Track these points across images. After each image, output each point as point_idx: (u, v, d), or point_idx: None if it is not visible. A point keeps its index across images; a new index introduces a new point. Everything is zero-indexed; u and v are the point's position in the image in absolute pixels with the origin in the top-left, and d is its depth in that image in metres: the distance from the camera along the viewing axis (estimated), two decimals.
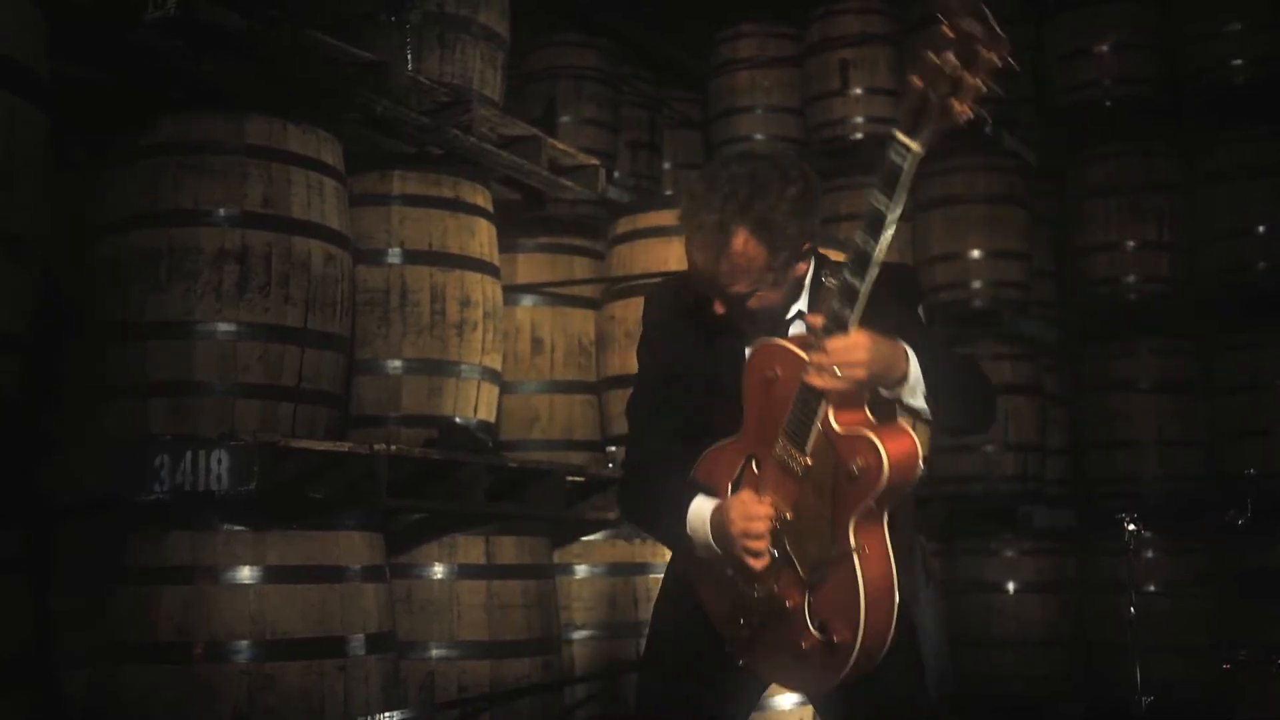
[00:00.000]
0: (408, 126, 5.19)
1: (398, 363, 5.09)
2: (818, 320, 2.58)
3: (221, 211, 4.37)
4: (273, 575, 4.04)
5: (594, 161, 6.12)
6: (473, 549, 4.90)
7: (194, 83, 4.52)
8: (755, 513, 2.67)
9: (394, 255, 5.15)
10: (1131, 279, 9.32)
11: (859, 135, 9.30)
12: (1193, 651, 8.26)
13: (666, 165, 10.61)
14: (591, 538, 5.51)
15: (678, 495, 2.84)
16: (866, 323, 2.59)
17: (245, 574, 4.02)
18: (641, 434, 3.06)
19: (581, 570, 5.47)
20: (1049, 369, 9.55)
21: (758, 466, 2.77)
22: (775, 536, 2.70)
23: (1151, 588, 8.50)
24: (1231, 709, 5.03)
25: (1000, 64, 2.40)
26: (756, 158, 2.82)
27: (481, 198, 5.48)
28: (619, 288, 5.85)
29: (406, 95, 5.04)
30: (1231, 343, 9.18)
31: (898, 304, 2.80)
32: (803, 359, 2.60)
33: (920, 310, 3.05)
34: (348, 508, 4.34)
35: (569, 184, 6.00)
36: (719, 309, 2.77)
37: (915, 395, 2.67)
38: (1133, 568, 5.16)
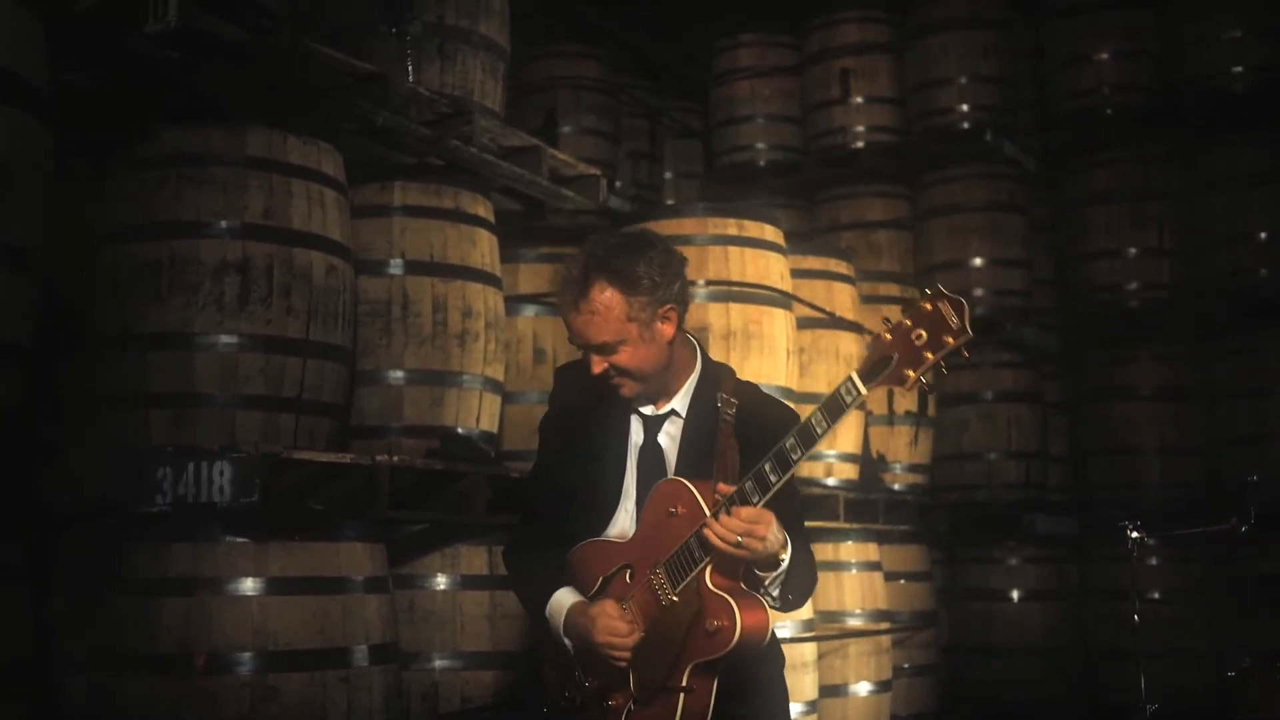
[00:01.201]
0: (408, 137, 5.20)
1: (399, 373, 5.09)
2: (728, 490, 2.88)
3: (222, 223, 4.37)
4: (275, 586, 4.04)
5: (595, 171, 6.13)
6: (475, 559, 4.90)
7: (193, 94, 4.53)
8: (618, 629, 2.97)
9: (395, 266, 5.15)
10: (1132, 286, 9.33)
11: (859, 144, 9.33)
12: (1196, 658, 8.28)
13: (667, 175, 10.64)
14: None
15: (546, 583, 3.17)
16: (755, 453, 2.93)
17: (247, 585, 4.01)
18: (535, 502, 3.38)
19: None
20: (1050, 376, 9.56)
21: (630, 577, 3.07)
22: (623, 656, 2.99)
23: (1154, 595, 8.51)
24: (1235, 716, 5.02)
25: (961, 355, 2.75)
26: (626, 234, 3.19)
27: (482, 208, 5.48)
28: None
29: (407, 106, 5.05)
30: (1232, 349, 9.19)
31: (786, 488, 3.03)
32: (703, 511, 2.92)
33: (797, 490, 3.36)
34: (350, 518, 4.34)
35: (570, 194, 6.00)
36: (595, 367, 3.07)
37: (775, 586, 2.98)
38: (1135, 575, 5.15)
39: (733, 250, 5.79)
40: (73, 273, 4.43)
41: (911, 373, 2.75)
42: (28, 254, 3.43)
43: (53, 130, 3.56)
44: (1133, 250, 9.35)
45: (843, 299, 6.89)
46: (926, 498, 7.96)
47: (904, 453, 7.83)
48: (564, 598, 3.11)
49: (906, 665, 7.41)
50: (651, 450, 3.19)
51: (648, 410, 3.21)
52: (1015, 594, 8.83)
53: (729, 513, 2.84)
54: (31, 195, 3.43)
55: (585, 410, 3.24)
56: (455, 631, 4.81)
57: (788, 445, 2.84)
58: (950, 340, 2.72)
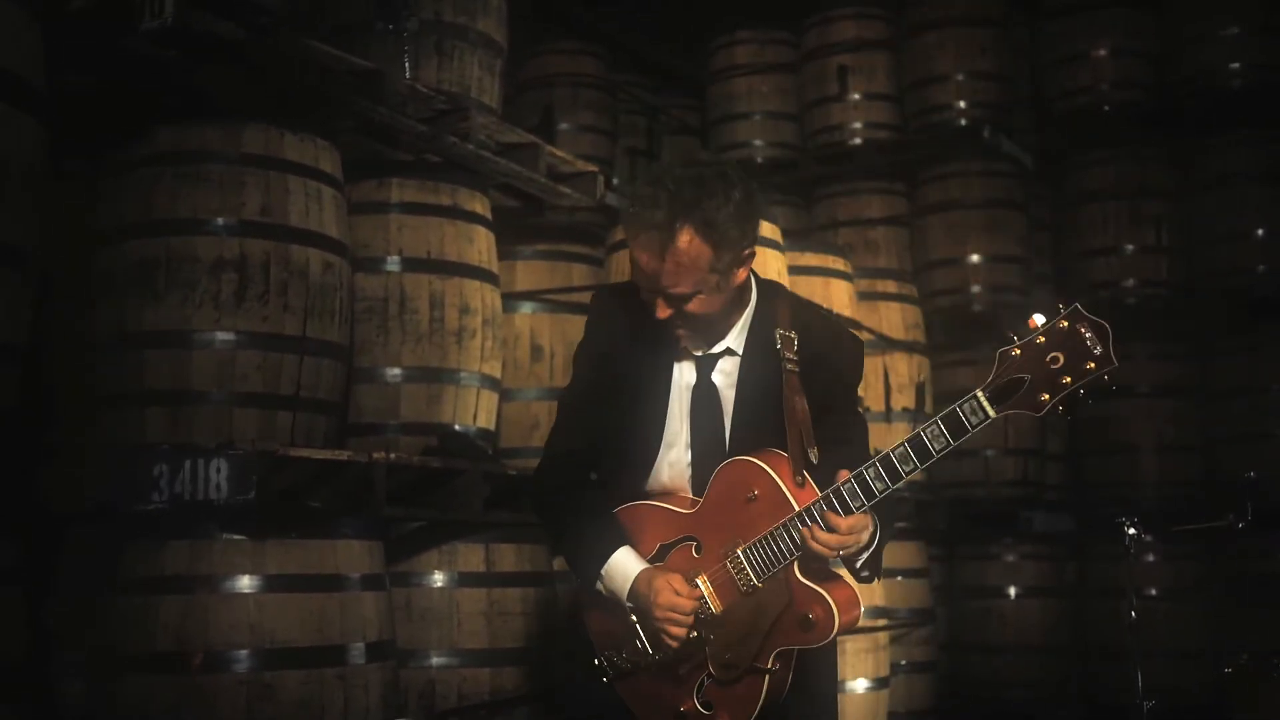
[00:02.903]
0: (405, 134, 5.19)
1: (396, 371, 5.09)
2: (833, 517, 2.75)
3: (219, 220, 4.37)
4: (272, 584, 4.04)
5: (592, 168, 6.12)
6: (472, 557, 4.90)
7: (190, 92, 4.52)
8: (682, 606, 2.87)
9: (392, 263, 5.14)
10: (1129, 283, 9.33)
11: (857, 141, 9.32)
12: (1193, 655, 8.29)
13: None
14: None
15: (601, 536, 3.01)
16: (827, 399, 2.93)
17: (244, 583, 4.01)
18: (564, 433, 3.18)
19: None
20: None
21: (698, 551, 2.96)
22: (696, 623, 2.90)
23: (1151, 592, 8.52)
24: (1232, 713, 5.02)
25: (1103, 383, 2.60)
26: (701, 163, 2.90)
27: (480, 205, 5.48)
28: None
29: (404, 103, 5.04)
30: (1229, 347, 9.19)
31: (848, 390, 3.07)
32: (788, 502, 2.83)
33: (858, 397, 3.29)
34: (347, 516, 4.33)
35: (567, 191, 6.00)
36: (661, 311, 2.85)
37: (860, 570, 2.91)
38: (1132, 572, 5.15)
39: None
40: (70, 271, 4.43)
41: (1048, 397, 2.60)
42: (24, 253, 3.42)
43: (49, 129, 3.55)
44: (1130, 248, 9.34)
45: (840, 296, 6.89)
46: (924, 495, 7.96)
47: None
48: (628, 562, 2.96)
49: (904, 662, 7.41)
50: (706, 392, 2.99)
51: (698, 350, 2.99)
52: (1013, 591, 8.83)
53: (823, 520, 2.75)
54: (27, 194, 3.42)
55: (629, 343, 3.03)
56: (452, 629, 4.81)
57: (897, 455, 2.73)
58: (1092, 366, 2.59)
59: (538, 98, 9.29)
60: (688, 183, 2.78)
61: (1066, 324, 2.61)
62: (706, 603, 2.90)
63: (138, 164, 4.43)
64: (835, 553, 2.77)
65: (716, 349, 3.00)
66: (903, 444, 2.73)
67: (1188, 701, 7.52)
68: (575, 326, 6.15)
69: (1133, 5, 9.39)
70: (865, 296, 7.64)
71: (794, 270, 6.35)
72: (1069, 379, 2.59)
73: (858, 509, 2.75)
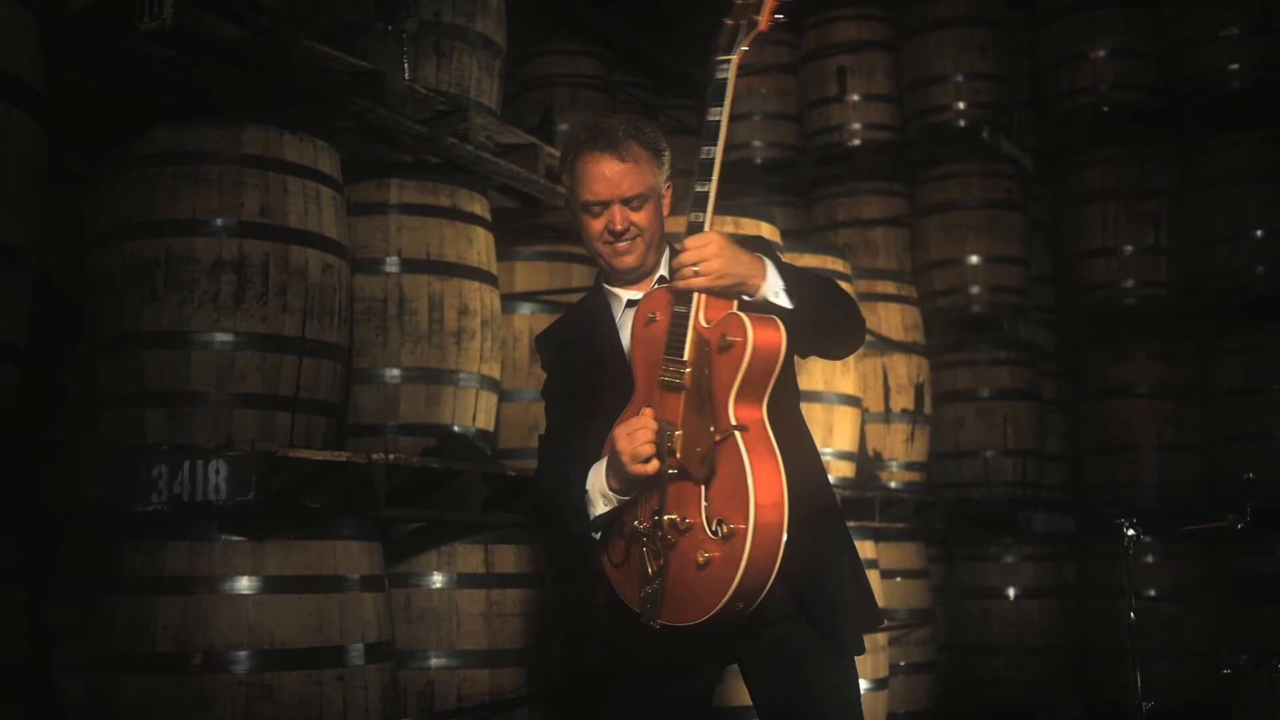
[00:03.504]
0: (404, 135, 5.19)
1: (396, 371, 5.09)
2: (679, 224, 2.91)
3: (218, 221, 4.37)
4: (271, 585, 4.04)
5: None
6: (471, 558, 4.90)
7: (189, 92, 4.52)
8: (634, 424, 2.86)
9: (391, 264, 5.14)
10: (1129, 284, 9.33)
11: (856, 141, 9.33)
12: (1192, 656, 8.29)
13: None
14: None
15: (580, 474, 3.02)
16: None
17: (243, 584, 4.01)
18: (549, 447, 3.30)
19: None
20: (1047, 374, 9.56)
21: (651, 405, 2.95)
22: (666, 453, 2.84)
23: (1151, 592, 8.52)
24: (1231, 714, 5.02)
25: None
26: (613, 111, 3.23)
27: (479, 206, 5.48)
28: None
29: (403, 104, 5.05)
30: (1229, 347, 9.19)
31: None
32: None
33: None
34: (346, 517, 4.33)
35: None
36: (619, 222, 3.08)
37: (778, 295, 2.89)
38: (1132, 572, 5.15)
39: None
40: (71, 272, 4.44)
41: (760, 17, 2.90)
42: (22, 253, 3.42)
43: (48, 129, 3.56)
44: (1129, 248, 9.35)
45: None
46: (923, 495, 7.97)
47: (900, 450, 7.84)
48: (596, 468, 2.99)
49: (903, 663, 7.41)
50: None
51: (636, 294, 3.15)
52: (1012, 592, 8.83)
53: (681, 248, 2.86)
54: (26, 194, 3.43)
55: (579, 344, 3.23)
56: (451, 630, 4.80)
57: (702, 151, 2.90)
58: None
59: (537, 98, 9.28)
60: (626, 116, 3.21)
61: None
62: (668, 434, 2.84)
63: (137, 164, 4.43)
64: (695, 270, 2.80)
65: (652, 287, 3.15)
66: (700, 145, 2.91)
67: (1187, 701, 7.52)
68: None
69: (1132, 6, 9.40)
70: (864, 297, 7.64)
71: None
72: None
73: (695, 219, 2.87)
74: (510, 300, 5.98)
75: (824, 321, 3.01)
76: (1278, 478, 7.70)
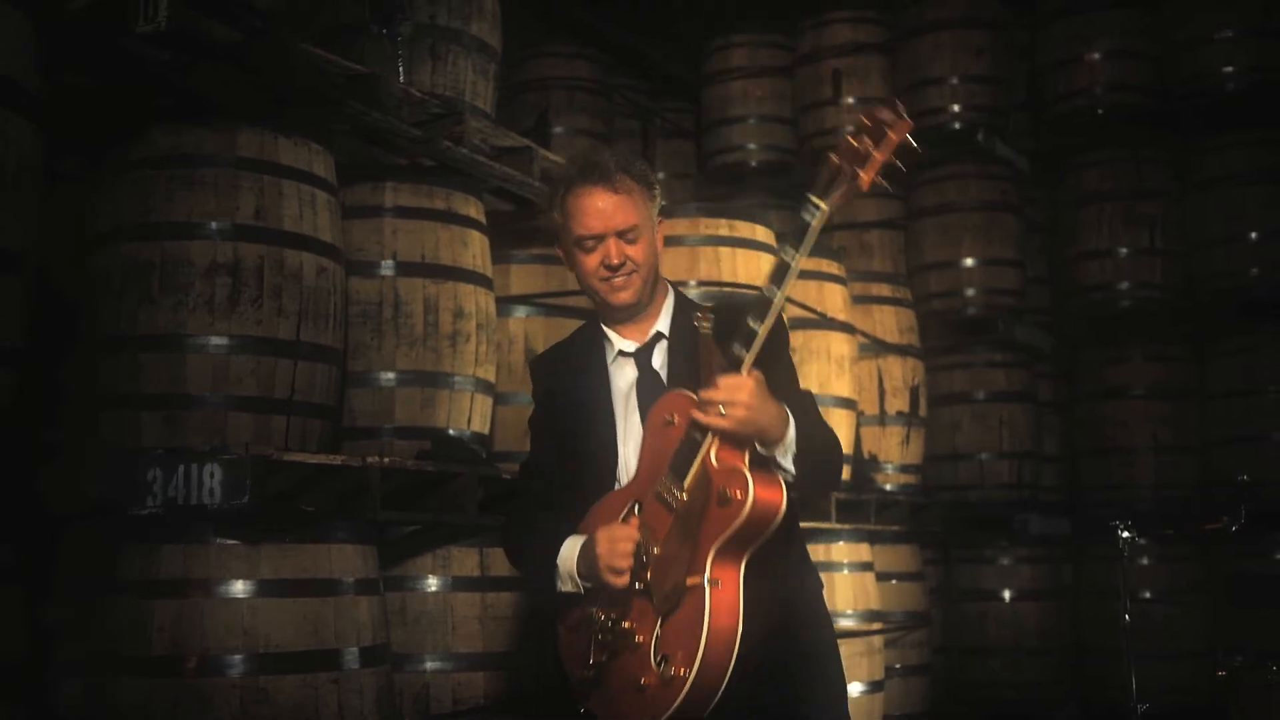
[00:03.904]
0: (399, 138, 5.20)
1: (391, 375, 5.08)
2: (713, 356, 2.82)
3: (213, 224, 4.37)
4: (266, 589, 4.03)
5: None
6: (467, 561, 4.90)
7: (185, 95, 4.52)
8: (619, 535, 2.87)
9: (387, 267, 5.14)
10: (1125, 286, 9.34)
11: None
12: (1188, 658, 8.29)
13: (660, 175, 10.57)
14: None
15: (553, 538, 3.04)
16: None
17: (238, 587, 4.01)
18: (527, 487, 3.31)
19: None
20: (1043, 376, 9.57)
21: (639, 510, 2.94)
22: (639, 568, 2.86)
23: (1147, 594, 8.52)
24: (1227, 715, 5.03)
25: (903, 141, 2.71)
26: (602, 145, 3.19)
27: (474, 209, 5.48)
28: None
29: (398, 107, 5.05)
30: (1225, 349, 9.20)
31: (775, 359, 2.98)
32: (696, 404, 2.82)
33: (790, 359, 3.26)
34: (341, 520, 4.33)
35: None
36: (615, 256, 3.05)
37: (785, 457, 2.83)
38: (1128, 574, 5.16)
39: (724, 251, 5.80)
40: (70, 272, 4.44)
41: (864, 173, 2.71)
42: (20, 256, 3.42)
43: (43, 131, 3.56)
44: (1125, 250, 9.35)
45: (834, 299, 6.89)
46: (919, 498, 7.97)
47: (896, 453, 7.84)
48: (572, 542, 3.00)
49: (899, 665, 7.41)
50: (650, 379, 3.12)
51: (631, 346, 3.15)
52: (1008, 594, 8.84)
53: (713, 384, 2.77)
54: (22, 197, 3.42)
55: (568, 380, 3.21)
56: (447, 633, 4.80)
57: (765, 289, 2.76)
58: (892, 134, 2.69)
59: (533, 101, 9.30)
60: (615, 150, 3.21)
61: (866, 117, 2.74)
62: (647, 547, 2.85)
63: (134, 166, 4.43)
64: (721, 410, 2.73)
65: (649, 336, 3.15)
66: (765, 282, 2.78)
67: (1183, 703, 7.53)
68: (569, 330, 6.15)
69: (1129, 7, 9.40)
70: (860, 300, 7.64)
71: None
72: (878, 153, 2.70)
73: (738, 354, 2.76)
74: (505, 303, 5.97)
75: (810, 488, 2.98)
76: (1274, 479, 7.73)
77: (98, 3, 4.10)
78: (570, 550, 2.99)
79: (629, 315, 3.15)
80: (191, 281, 4.30)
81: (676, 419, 2.89)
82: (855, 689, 6.52)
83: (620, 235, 3.05)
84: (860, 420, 7.42)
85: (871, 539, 7.09)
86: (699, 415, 2.77)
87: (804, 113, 9.63)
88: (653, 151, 10.46)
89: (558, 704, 3.15)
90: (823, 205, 2.74)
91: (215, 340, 4.31)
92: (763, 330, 2.75)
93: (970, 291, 8.95)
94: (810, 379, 6.64)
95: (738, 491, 2.72)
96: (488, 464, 5.15)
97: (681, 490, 2.82)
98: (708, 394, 2.76)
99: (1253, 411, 8.89)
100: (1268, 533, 7.71)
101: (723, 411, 2.73)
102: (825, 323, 6.74)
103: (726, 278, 5.77)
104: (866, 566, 6.93)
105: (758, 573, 2.81)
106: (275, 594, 4.05)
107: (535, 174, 5.69)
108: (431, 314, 5.13)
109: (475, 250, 5.38)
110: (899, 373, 7.90)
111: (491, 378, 5.47)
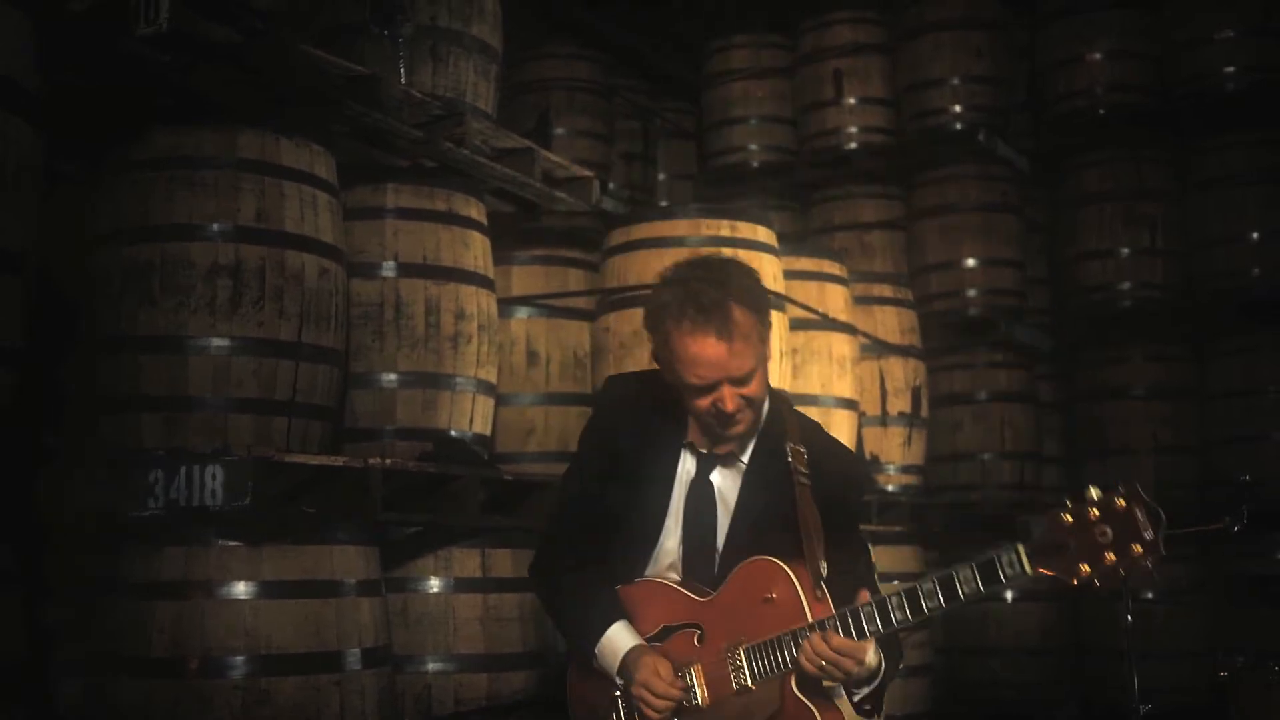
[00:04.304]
0: (400, 139, 5.20)
1: (392, 376, 5.08)
2: (809, 511, 2.87)
3: (214, 225, 4.37)
4: (267, 590, 4.03)
5: (588, 173, 6.12)
6: (468, 562, 4.90)
7: (185, 96, 4.52)
8: (656, 688, 2.87)
9: (388, 268, 5.14)
10: (1125, 286, 9.33)
11: (852, 145, 9.33)
12: (1189, 658, 8.28)
13: (661, 176, 10.63)
14: None
15: (601, 610, 3.02)
16: (833, 516, 2.93)
17: (240, 589, 4.01)
18: (565, 518, 3.22)
19: None
20: (1044, 377, 9.56)
21: (699, 641, 2.95)
22: (679, 711, 2.90)
23: (1148, 595, 8.51)
24: (1228, 715, 5.03)
25: (1146, 569, 2.53)
26: (704, 258, 2.98)
27: (475, 210, 5.48)
28: (614, 299, 5.85)
29: (399, 108, 5.04)
30: (1225, 349, 9.19)
31: (845, 509, 3.04)
32: (804, 613, 2.80)
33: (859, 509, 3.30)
34: (342, 521, 4.33)
35: (563, 196, 6.00)
36: (731, 403, 2.85)
37: (861, 696, 2.87)
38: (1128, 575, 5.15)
39: (725, 252, 5.77)
40: (70, 272, 4.43)
41: (1087, 568, 2.55)
42: (20, 257, 3.42)
43: (43, 133, 3.56)
44: (1126, 250, 9.35)
45: (835, 300, 6.89)
46: (920, 498, 7.96)
47: (897, 454, 7.83)
48: (623, 636, 2.97)
49: (900, 666, 7.39)
50: (703, 486, 3.02)
51: (701, 447, 3.02)
52: (1009, 594, 8.83)
53: (824, 634, 2.75)
54: (22, 197, 3.42)
55: (637, 429, 3.06)
56: (448, 634, 4.80)
57: (924, 590, 2.69)
58: (1139, 550, 2.52)
59: (533, 102, 9.29)
60: (718, 267, 2.89)
61: (1123, 502, 2.55)
62: (694, 693, 2.90)
63: (133, 168, 4.43)
64: (822, 667, 2.74)
65: (723, 450, 3.01)
66: (931, 580, 2.70)
67: (1184, 704, 7.51)
68: (571, 331, 6.17)
69: (1129, 7, 9.39)
70: (861, 301, 7.63)
71: (789, 275, 6.36)
72: (1113, 556, 2.54)
73: (871, 633, 2.74)
74: (507, 304, 5.98)
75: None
76: (1274, 479, 7.71)
77: (98, 4, 4.10)
78: (614, 646, 2.97)
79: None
80: (193, 283, 4.30)
81: (776, 599, 2.86)
82: None
83: (734, 382, 2.84)
84: (862, 421, 7.41)
85: (873, 540, 7.08)
86: (806, 663, 2.75)
87: (805, 113, 9.62)
88: (653, 152, 10.45)
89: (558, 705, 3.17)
90: (1028, 570, 2.61)
91: (216, 342, 4.31)
92: (895, 628, 2.75)
93: (971, 292, 8.94)
94: (812, 380, 6.64)
95: None
96: (489, 465, 5.15)
97: (750, 683, 2.84)
98: (819, 646, 2.73)
99: (1253, 411, 8.88)
100: (1268, 533, 7.69)
101: (824, 668, 2.74)
102: (827, 323, 6.74)
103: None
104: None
105: None
106: (277, 595, 4.05)
107: (536, 175, 5.69)
108: (433, 315, 5.12)
109: (476, 251, 5.38)
110: (900, 373, 7.89)
111: (493, 379, 5.47)
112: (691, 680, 2.92)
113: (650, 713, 2.88)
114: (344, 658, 4.15)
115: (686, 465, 3.04)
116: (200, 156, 4.42)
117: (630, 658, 2.94)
